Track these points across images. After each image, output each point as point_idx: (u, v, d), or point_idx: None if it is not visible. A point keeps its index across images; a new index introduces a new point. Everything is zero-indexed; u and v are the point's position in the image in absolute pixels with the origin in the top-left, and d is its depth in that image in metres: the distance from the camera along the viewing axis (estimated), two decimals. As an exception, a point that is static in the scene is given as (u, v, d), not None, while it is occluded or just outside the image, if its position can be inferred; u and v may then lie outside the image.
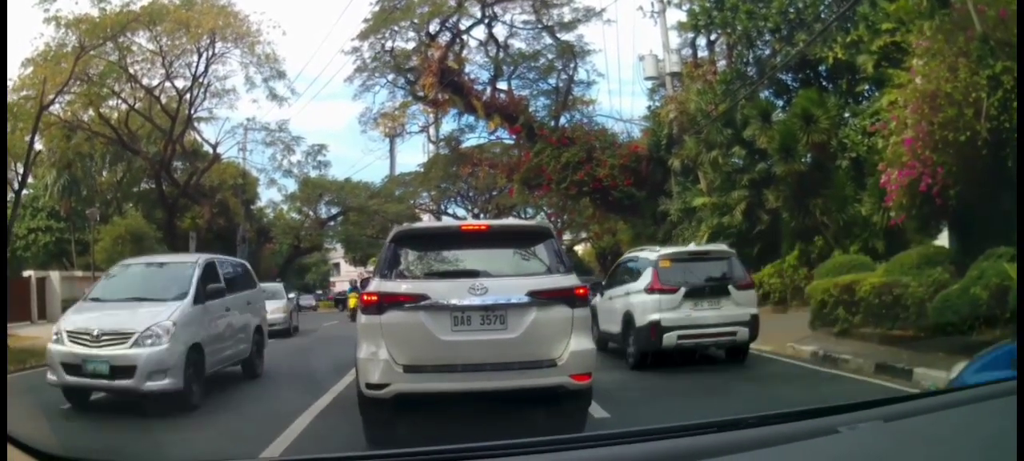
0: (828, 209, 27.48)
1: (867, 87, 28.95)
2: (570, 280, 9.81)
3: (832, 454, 2.79)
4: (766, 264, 29.81)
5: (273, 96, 49.44)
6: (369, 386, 9.25)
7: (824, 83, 30.86)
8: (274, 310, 27.87)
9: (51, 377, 13.19)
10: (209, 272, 15.46)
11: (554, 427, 9.12)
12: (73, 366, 12.92)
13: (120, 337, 12.98)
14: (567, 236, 67.63)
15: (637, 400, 13.54)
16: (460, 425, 9.15)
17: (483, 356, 9.17)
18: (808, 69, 31.08)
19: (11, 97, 36.01)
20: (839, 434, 2.86)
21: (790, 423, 3.10)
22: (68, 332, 13.32)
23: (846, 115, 28.77)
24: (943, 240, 20.90)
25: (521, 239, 10.84)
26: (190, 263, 15.51)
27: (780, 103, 32.38)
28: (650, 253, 18.29)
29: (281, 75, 47.78)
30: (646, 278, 16.95)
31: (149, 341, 12.91)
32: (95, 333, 13.08)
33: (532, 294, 9.33)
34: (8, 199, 35.22)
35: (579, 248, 71.93)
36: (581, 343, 9.48)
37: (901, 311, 16.76)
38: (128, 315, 13.47)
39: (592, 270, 54.12)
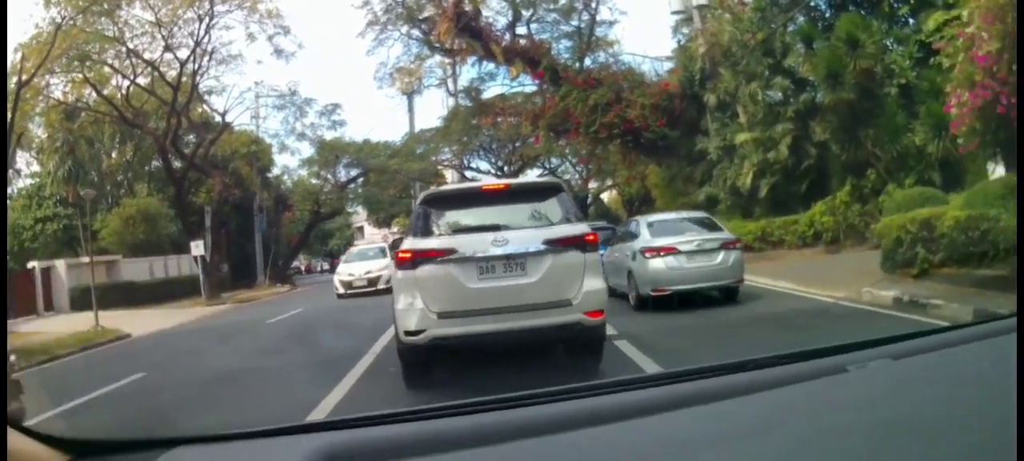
0: (879, 140, 26.01)
1: (908, 11, 28.04)
2: (581, 228, 10.84)
3: (840, 393, 2.77)
4: (815, 201, 28.30)
5: (278, 52, 48.86)
6: (407, 333, 10.29)
7: (862, 8, 29.18)
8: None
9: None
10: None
11: (575, 364, 11.35)
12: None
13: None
14: (593, 185, 66.20)
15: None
16: (485, 370, 10.90)
17: (507, 300, 10.17)
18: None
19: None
20: (848, 373, 2.87)
21: (797, 363, 3.10)
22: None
23: (889, 41, 27.58)
24: (999, 173, 19.23)
25: (536, 194, 11.65)
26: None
27: (819, 29, 30.38)
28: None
29: (286, 30, 46.72)
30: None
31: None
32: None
33: (548, 242, 10.39)
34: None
35: (605, 196, 70.79)
36: (593, 283, 10.52)
37: (990, 248, 14.84)
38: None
39: (620, 218, 52.43)
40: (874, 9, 28.51)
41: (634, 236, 19.97)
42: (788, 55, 29.66)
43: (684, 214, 22.91)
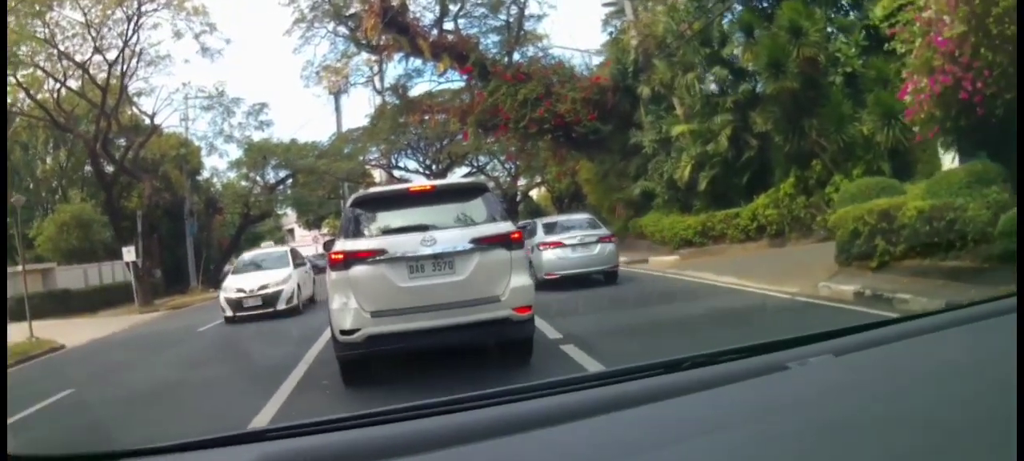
0: (825, 130, 25.53)
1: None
2: (506, 226, 11.09)
3: (780, 392, 2.69)
4: (758, 194, 27.75)
5: (204, 50, 46.52)
6: (343, 332, 10.47)
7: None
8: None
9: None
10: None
11: (505, 359, 11.39)
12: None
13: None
14: (522, 182, 65.73)
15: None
16: (420, 367, 11.09)
17: (437, 297, 10.39)
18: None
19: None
20: (788, 370, 2.79)
21: (736, 361, 3.00)
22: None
23: (832, 29, 27.23)
24: (953, 162, 18.87)
25: (463, 195, 12.03)
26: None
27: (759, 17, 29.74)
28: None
29: (212, 28, 44.86)
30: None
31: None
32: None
33: (474, 241, 10.61)
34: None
35: (534, 193, 70.59)
36: (520, 280, 10.78)
37: (957, 238, 14.19)
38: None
39: (549, 214, 51.96)
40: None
41: (532, 234, 23.75)
42: (726, 45, 29.27)
43: (573, 216, 27.72)
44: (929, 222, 14.74)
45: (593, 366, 10.99)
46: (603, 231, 23.97)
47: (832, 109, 25.23)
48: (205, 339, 21.61)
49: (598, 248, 22.91)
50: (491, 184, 36.03)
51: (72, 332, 27.11)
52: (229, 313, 24.83)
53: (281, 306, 24.71)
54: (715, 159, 28.95)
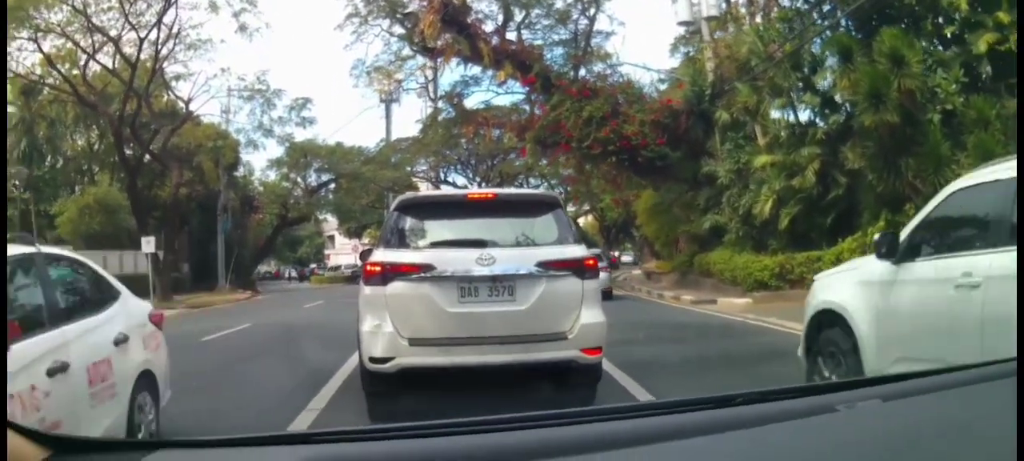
0: (922, 171, 23.01)
1: (954, 31, 25.06)
2: (580, 250, 9.80)
3: (829, 433, 2.68)
4: (842, 236, 25.43)
5: (243, 29, 43.74)
6: (373, 360, 9.19)
7: (905, 23, 26.09)
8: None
9: None
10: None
11: (561, 403, 7.11)
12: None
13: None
14: (571, 208, 64.28)
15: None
16: (464, 401, 9.04)
17: (491, 328, 9.10)
18: (886, 6, 26.24)
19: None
20: (837, 412, 2.77)
21: (786, 400, 3.00)
22: None
23: (929, 62, 24.60)
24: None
25: (529, 208, 10.62)
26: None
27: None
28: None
29: (252, 3, 42.89)
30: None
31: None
32: None
33: (541, 264, 9.30)
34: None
35: (581, 221, 68.82)
36: (592, 315, 9.42)
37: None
38: None
39: (597, 244, 50.06)
40: (917, 27, 25.70)
41: None
42: (818, 71, 26.88)
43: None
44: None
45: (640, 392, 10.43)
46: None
47: (930, 149, 22.94)
48: (202, 354, 18.28)
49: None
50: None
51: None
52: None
53: None
54: (800, 195, 26.57)
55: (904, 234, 8.13)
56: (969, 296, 6.92)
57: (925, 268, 7.71)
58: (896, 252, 7.92)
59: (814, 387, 3.19)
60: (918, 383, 3.23)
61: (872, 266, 8.28)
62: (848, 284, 8.67)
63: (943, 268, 7.40)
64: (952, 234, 8.00)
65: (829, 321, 8.52)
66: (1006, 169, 7.08)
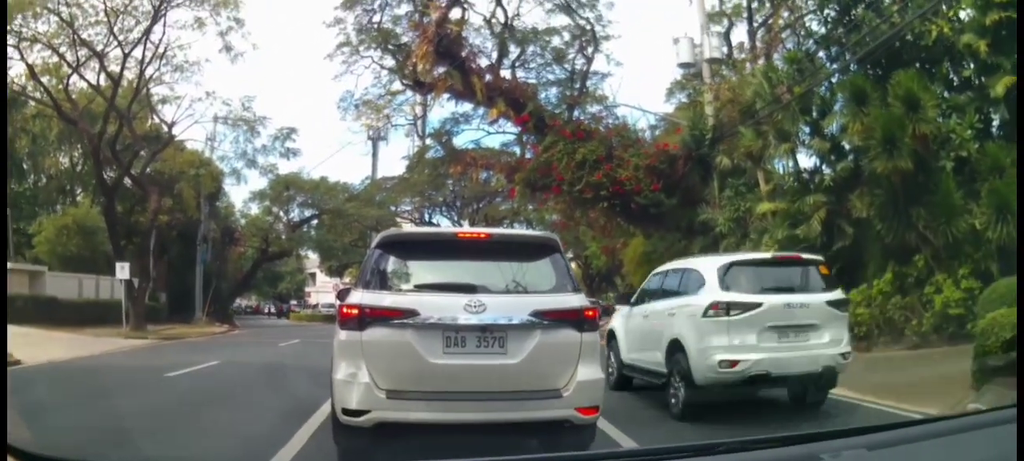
0: (933, 221, 22.20)
1: (971, 75, 24.29)
2: (579, 300, 9.11)
3: None
4: (847, 290, 24.16)
5: (227, 49, 43.14)
6: (346, 412, 8.50)
7: (919, 66, 25.18)
8: None
9: None
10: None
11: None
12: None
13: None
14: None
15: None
16: (443, 448, 8.68)
17: (478, 383, 8.62)
18: (902, 50, 25.36)
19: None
20: None
21: (770, 449, 3.10)
22: None
23: (943, 107, 24.00)
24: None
25: (526, 251, 9.99)
26: None
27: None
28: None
29: (240, 23, 42.37)
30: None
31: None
32: None
33: (537, 314, 8.69)
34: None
35: None
36: (589, 372, 8.84)
37: None
38: None
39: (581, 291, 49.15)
40: (931, 71, 24.91)
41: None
42: (827, 115, 26.00)
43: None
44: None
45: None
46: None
47: (942, 197, 22.08)
48: (161, 392, 17.42)
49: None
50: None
51: (40, 346, 24.29)
52: None
53: None
54: (803, 245, 25.53)
55: (635, 294, 17.57)
56: (649, 321, 15.54)
57: (639, 309, 16.43)
58: (631, 302, 17.16)
59: (799, 436, 2.99)
60: (904, 433, 3.38)
61: (625, 309, 17.45)
62: (618, 318, 17.81)
63: (643, 309, 16.22)
64: (648, 294, 16.69)
65: (611, 334, 17.48)
66: (672, 266, 16.60)
